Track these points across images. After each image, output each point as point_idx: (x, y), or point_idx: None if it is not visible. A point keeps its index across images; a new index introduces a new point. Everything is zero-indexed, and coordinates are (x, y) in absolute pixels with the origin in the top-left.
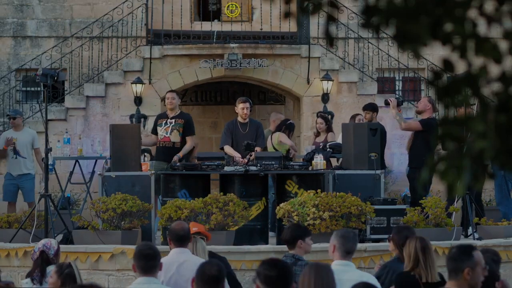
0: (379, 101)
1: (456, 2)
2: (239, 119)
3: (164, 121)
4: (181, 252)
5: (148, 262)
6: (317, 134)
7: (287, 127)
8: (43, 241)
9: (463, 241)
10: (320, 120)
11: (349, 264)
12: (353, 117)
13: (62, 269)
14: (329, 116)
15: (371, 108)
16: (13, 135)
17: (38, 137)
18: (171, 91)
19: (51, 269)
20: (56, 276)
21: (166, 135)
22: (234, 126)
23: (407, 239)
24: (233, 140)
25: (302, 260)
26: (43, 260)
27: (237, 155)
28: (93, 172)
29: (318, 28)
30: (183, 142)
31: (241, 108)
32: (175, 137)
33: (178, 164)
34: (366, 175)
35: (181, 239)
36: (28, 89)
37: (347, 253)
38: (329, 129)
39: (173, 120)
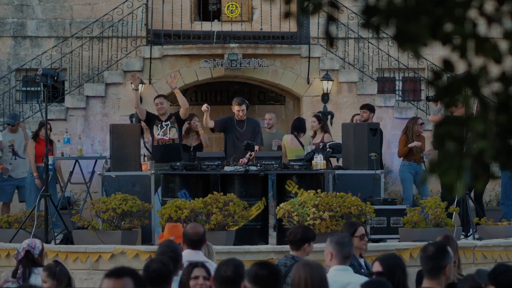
0: (379, 101)
1: (456, 2)
2: (236, 118)
3: (160, 124)
4: (195, 254)
5: (160, 277)
6: (314, 134)
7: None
8: (27, 241)
9: (463, 241)
10: (313, 119)
11: (347, 268)
12: (352, 117)
13: (52, 270)
14: (329, 116)
15: (368, 108)
16: (9, 137)
17: None
18: (159, 96)
19: (39, 270)
20: (50, 279)
21: (165, 137)
22: (231, 123)
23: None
24: (230, 138)
25: None
26: (28, 260)
27: (209, 122)
28: (93, 172)
29: (318, 28)
30: (180, 138)
31: (237, 110)
32: (173, 134)
33: (178, 164)
34: (366, 175)
35: (195, 244)
36: (28, 89)
37: (345, 258)
38: (323, 128)
39: (168, 122)
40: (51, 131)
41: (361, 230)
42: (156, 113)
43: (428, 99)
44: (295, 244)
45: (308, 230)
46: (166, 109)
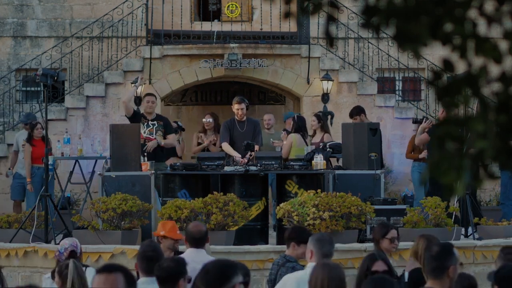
0: (379, 100)
1: (456, 2)
2: (236, 117)
3: (146, 123)
4: (197, 252)
5: (150, 264)
6: (313, 133)
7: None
8: (67, 241)
9: (463, 241)
10: (313, 118)
11: None
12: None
13: (62, 269)
14: (329, 116)
15: (357, 112)
16: (24, 136)
17: None
18: (151, 94)
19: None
20: (58, 276)
21: (151, 136)
22: (232, 125)
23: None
24: (231, 139)
25: (292, 262)
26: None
27: (236, 155)
28: (93, 172)
29: (318, 28)
30: None
31: (236, 109)
32: (160, 138)
33: (178, 164)
34: (366, 175)
35: (197, 242)
36: (28, 89)
37: (325, 256)
38: (323, 128)
39: (155, 122)
40: (43, 129)
41: (393, 233)
42: (142, 111)
43: (413, 121)
44: (286, 242)
45: (295, 231)
46: (154, 108)
